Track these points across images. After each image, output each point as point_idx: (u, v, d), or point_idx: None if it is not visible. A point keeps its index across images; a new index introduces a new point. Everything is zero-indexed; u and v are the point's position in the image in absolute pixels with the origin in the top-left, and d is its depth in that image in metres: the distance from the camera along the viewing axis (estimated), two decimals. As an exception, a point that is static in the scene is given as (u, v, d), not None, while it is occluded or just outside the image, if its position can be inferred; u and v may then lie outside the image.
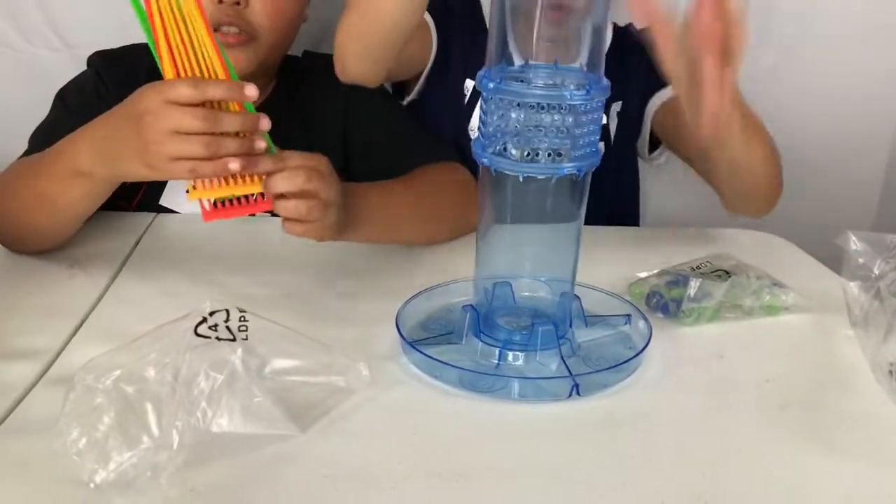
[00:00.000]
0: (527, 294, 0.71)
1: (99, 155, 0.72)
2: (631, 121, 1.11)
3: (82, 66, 1.04)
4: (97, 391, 0.52)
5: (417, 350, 0.67)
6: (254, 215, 0.73)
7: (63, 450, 0.52)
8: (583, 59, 0.64)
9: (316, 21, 1.09)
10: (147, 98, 0.66)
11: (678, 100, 0.91)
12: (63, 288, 0.79)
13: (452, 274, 0.79)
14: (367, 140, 1.02)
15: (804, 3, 1.27)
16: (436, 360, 0.66)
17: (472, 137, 1.09)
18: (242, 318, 0.62)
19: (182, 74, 0.66)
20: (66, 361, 0.67)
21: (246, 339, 0.61)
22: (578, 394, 0.65)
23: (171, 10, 0.64)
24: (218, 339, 0.60)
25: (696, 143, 0.97)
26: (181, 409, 0.54)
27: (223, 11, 0.93)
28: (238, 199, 0.70)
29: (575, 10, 0.64)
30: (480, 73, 0.65)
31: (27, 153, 0.90)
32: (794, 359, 0.73)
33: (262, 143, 0.67)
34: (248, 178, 0.68)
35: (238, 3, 0.93)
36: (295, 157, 0.69)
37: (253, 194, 0.69)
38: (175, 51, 0.65)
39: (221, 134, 0.66)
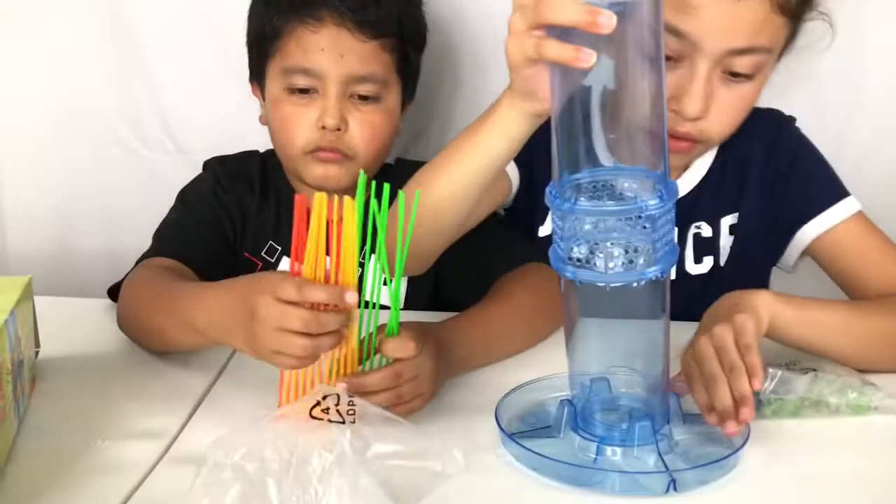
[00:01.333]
0: (623, 390, 0.72)
1: (213, 323, 0.75)
2: (757, 239, 1.04)
3: (195, 170, 1.12)
4: (225, 466, 0.57)
5: (516, 442, 0.70)
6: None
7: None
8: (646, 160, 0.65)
9: (406, 127, 1.16)
10: (260, 291, 0.69)
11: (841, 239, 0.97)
12: (179, 374, 0.85)
13: (552, 365, 0.80)
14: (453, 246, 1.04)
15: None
16: (534, 452, 0.68)
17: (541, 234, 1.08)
18: (351, 403, 0.66)
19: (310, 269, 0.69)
20: (185, 441, 0.72)
21: (353, 422, 0.65)
22: (675, 490, 0.65)
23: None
24: (330, 420, 0.64)
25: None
26: (297, 485, 0.58)
27: (325, 137, 1.01)
28: None
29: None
30: (550, 188, 0.66)
31: (152, 249, 0.99)
32: (884, 457, 0.73)
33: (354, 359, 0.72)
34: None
35: (339, 129, 1.01)
36: (379, 377, 0.72)
37: None
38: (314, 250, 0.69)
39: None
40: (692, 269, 1.03)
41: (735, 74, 0.90)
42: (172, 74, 1.29)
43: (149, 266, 0.95)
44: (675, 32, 0.86)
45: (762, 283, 1.07)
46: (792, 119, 1.06)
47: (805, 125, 1.08)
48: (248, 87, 1.12)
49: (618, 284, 0.64)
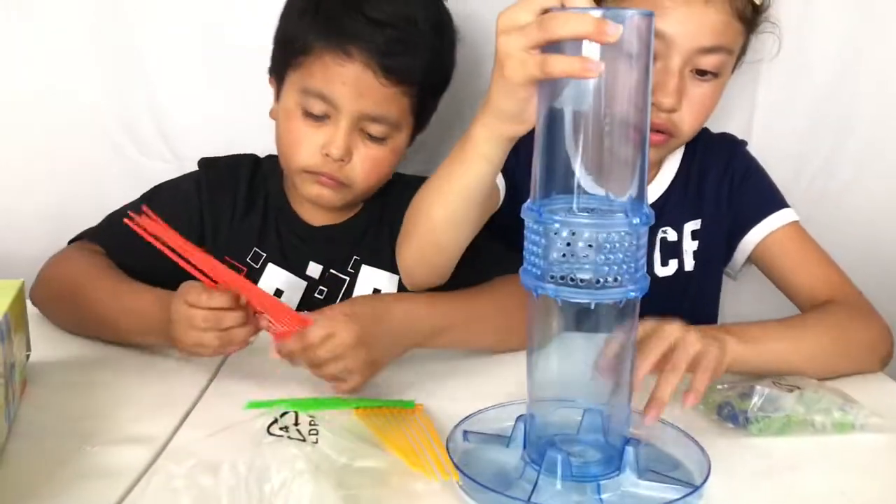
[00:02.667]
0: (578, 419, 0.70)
1: (152, 327, 0.87)
2: (715, 244, 1.13)
3: (191, 177, 1.13)
4: (177, 476, 0.57)
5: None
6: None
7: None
8: (633, 190, 0.65)
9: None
10: (174, 298, 0.83)
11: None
12: (171, 381, 0.86)
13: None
14: None
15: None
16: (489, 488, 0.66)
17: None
18: (312, 423, 0.67)
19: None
20: (175, 448, 0.72)
21: (316, 442, 0.66)
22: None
23: None
24: (289, 437, 0.65)
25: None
26: (253, 500, 0.58)
27: (327, 164, 1.02)
28: None
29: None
30: (529, 205, 0.66)
31: (94, 233, 1.04)
32: (868, 474, 0.74)
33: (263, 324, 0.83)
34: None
35: (342, 160, 1.01)
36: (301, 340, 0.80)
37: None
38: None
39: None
40: (659, 271, 1.12)
41: (702, 73, 0.99)
42: (169, 80, 1.30)
43: (79, 253, 1.01)
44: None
45: (719, 284, 1.18)
46: (744, 142, 1.18)
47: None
48: (247, 93, 1.13)
49: (604, 302, 0.64)
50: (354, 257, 1.10)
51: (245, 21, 1.24)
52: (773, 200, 1.11)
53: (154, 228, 0.80)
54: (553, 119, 0.65)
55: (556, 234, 0.63)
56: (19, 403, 0.78)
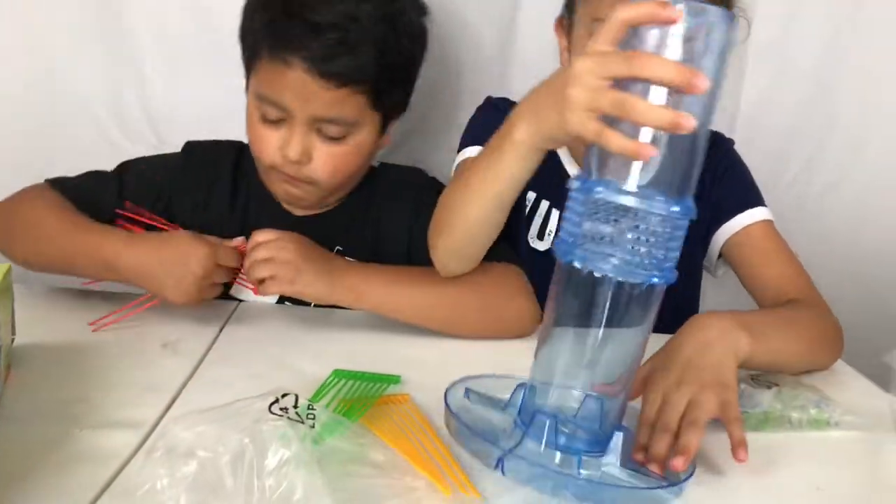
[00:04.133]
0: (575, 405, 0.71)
1: (136, 269, 0.93)
2: (696, 237, 1.14)
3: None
4: (183, 441, 0.59)
5: (522, 458, 0.67)
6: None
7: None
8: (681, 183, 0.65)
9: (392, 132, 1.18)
10: (206, 256, 0.94)
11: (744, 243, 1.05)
12: (157, 366, 0.86)
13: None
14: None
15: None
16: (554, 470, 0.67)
17: (532, 245, 1.15)
18: (311, 407, 0.68)
19: None
20: (161, 433, 0.72)
21: (313, 427, 0.67)
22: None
23: None
24: (289, 418, 0.66)
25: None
26: (251, 474, 0.60)
27: (287, 165, 1.01)
28: None
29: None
30: (577, 177, 0.67)
31: (74, 183, 1.05)
32: (843, 470, 0.76)
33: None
34: None
35: (300, 162, 1.01)
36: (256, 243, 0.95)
37: None
38: None
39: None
40: None
41: None
42: (159, 68, 1.30)
43: (50, 193, 1.03)
44: None
45: (700, 278, 1.21)
46: (731, 140, 1.18)
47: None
48: (234, 79, 1.12)
49: (625, 283, 0.65)
50: (337, 248, 1.11)
51: (234, 6, 1.24)
52: (749, 197, 1.12)
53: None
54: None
55: (595, 204, 0.64)
56: (4, 387, 0.78)
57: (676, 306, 1.04)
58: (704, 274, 1.20)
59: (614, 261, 0.64)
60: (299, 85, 0.96)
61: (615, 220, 0.63)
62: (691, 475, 0.69)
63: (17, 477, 0.64)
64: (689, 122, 0.60)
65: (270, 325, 0.97)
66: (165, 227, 1.01)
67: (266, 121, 1.01)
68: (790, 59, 1.33)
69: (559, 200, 1.10)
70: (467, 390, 0.76)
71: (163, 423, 0.64)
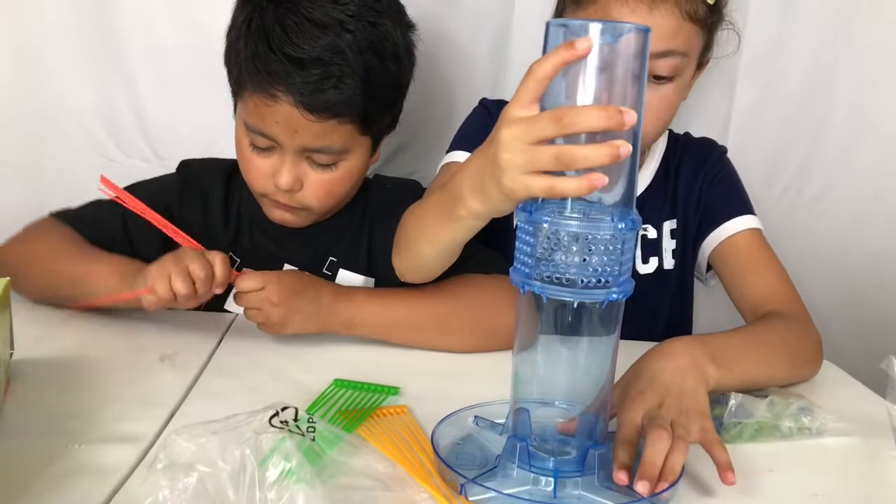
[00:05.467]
0: (559, 420, 0.72)
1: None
2: (689, 245, 1.16)
3: (171, 177, 1.13)
4: (185, 452, 0.59)
5: (480, 485, 0.67)
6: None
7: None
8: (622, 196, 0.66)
9: (387, 139, 1.18)
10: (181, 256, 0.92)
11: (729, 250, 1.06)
12: (155, 380, 0.86)
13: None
14: None
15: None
16: (506, 494, 0.67)
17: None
18: (311, 420, 0.68)
19: None
20: (163, 445, 0.72)
21: (314, 439, 0.67)
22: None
23: None
24: (290, 431, 0.66)
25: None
26: (253, 487, 0.60)
27: (279, 193, 1.02)
28: None
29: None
30: (521, 206, 0.68)
31: (66, 215, 1.07)
32: (838, 476, 0.77)
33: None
34: None
35: (292, 190, 1.02)
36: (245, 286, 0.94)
37: None
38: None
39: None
40: (641, 268, 1.15)
41: (658, 77, 1.00)
42: (152, 80, 1.30)
43: (56, 225, 1.05)
44: None
45: (692, 286, 1.21)
46: (724, 148, 1.19)
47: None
48: (228, 94, 1.13)
49: (586, 302, 0.66)
50: (330, 258, 1.11)
51: (226, 21, 1.24)
52: (738, 205, 1.13)
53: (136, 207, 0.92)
54: None
55: (544, 233, 0.65)
56: (3, 401, 0.78)
57: (671, 316, 1.04)
58: (697, 283, 1.21)
59: (570, 286, 0.65)
60: (286, 118, 0.97)
61: (565, 247, 0.65)
62: (669, 488, 0.68)
63: (15, 492, 0.64)
64: (626, 150, 0.61)
65: (269, 336, 0.97)
66: (179, 236, 1.00)
67: (256, 148, 1.02)
68: (780, 69, 1.34)
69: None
70: (476, 417, 0.76)
71: (164, 436, 0.64)
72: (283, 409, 0.68)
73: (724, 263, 1.11)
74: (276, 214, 1.07)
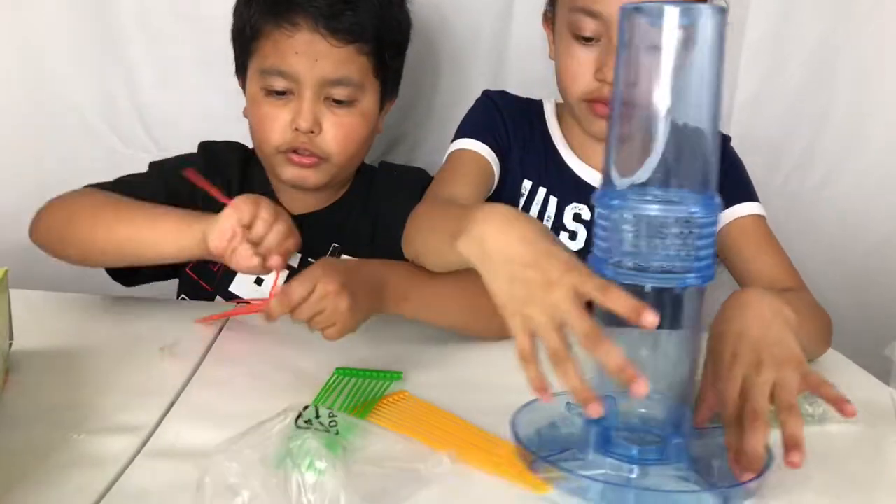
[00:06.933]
0: (643, 410, 0.70)
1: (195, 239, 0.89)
2: None
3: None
4: (230, 470, 0.58)
5: (551, 463, 0.68)
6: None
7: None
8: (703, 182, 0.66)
9: (389, 130, 1.18)
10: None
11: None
12: (154, 369, 0.86)
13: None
14: None
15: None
16: (578, 474, 0.67)
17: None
18: (332, 416, 0.68)
19: None
20: (161, 437, 0.72)
21: (337, 433, 0.67)
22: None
23: None
24: (315, 430, 0.66)
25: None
26: (301, 494, 0.59)
27: (298, 139, 1.03)
28: None
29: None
30: (598, 193, 0.68)
31: (97, 185, 1.03)
32: (844, 464, 0.76)
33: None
34: None
35: (312, 132, 1.03)
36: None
37: None
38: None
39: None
40: None
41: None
42: (153, 70, 1.30)
43: (96, 191, 1.01)
44: (591, 14, 0.99)
45: None
46: (728, 137, 1.17)
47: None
48: (229, 84, 1.13)
49: (660, 287, 0.65)
50: (334, 245, 1.11)
51: (225, 11, 1.24)
52: (742, 192, 1.12)
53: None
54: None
55: (620, 218, 0.65)
56: (2, 392, 0.78)
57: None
58: None
59: (646, 270, 0.65)
60: (307, 44, 1.00)
61: (639, 231, 0.65)
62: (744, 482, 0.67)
63: (15, 482, 0.64)
64: (641, 387, 0.61)
65: (268, 324, 0.96)
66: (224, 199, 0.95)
67: (272, 96, 1.03)
68: (783, 56, 1.34)
69: (556, 188, 1.12)
70: (568, 403, 0.74)
71: (212, 456, 0.60)
72: (305, 408, 0.68)
73: (730, 246, 1.09)
74: (292, 173, 1.06)
